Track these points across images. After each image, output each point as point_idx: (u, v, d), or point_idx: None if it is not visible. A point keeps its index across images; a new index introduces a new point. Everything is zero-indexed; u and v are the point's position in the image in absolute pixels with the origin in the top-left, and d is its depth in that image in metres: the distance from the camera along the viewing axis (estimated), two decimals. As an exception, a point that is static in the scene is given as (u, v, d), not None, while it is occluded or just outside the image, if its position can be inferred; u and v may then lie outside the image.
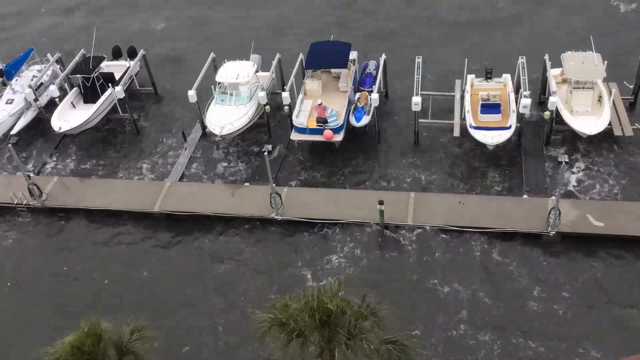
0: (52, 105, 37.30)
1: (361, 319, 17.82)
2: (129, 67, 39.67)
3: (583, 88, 32.80)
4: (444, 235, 29.58)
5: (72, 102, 37.14)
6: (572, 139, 33.62)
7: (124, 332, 19.59)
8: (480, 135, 32.06)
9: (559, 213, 28.35)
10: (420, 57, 35.63)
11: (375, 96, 33.88)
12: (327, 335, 17.58)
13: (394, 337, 18.55)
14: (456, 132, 33.71)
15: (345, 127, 34.06)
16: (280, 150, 35.09)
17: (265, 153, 28.86)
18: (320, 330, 17.65)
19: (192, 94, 34.92)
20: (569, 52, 34.25)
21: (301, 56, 36.85)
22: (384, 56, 36.85)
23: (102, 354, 18.43)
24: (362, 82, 36.80)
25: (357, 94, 35.62)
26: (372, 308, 18.28)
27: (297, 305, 18.12)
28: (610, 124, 32.47)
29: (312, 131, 33.61)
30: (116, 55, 40.92)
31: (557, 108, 32.29)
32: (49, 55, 40.67)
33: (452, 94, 35.99)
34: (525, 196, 30.92)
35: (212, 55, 38.19)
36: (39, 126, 38.29)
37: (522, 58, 34.58)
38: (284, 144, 35.43)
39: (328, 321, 17.52)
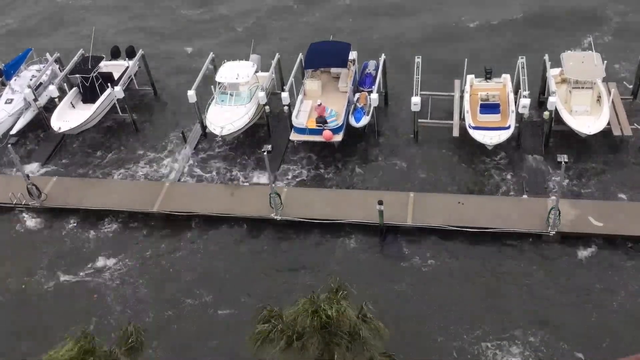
0: (51, 105, 37.27)
1: (359, 325, 17.83)
2: (127, 67, 39.63)
3: (582, 88, 32.81)
4: (443, 236, 29.58)
5: (71, 102, 37.10)
6: (572, 139, 33.64)
7: (118, 337, 19.48)
8: (480, 136, 32.08)
9: (559, 213, 28.37)
10: (420, 57, 35.64)
11: (374, 96, 33.88)
12: (327, 338, 17.57)
13: (390, 353, 18.61)
14: (455, 132, 33.72)
15: (344, 127, 34.06)
16: (280, 150, 35.12)
17: (265, 153, 28.86)
18: (319, 333, 17.64)
19: (191, 94, 34.89)
20: (569, 51, 34.28)
21: (300, 56, 36.83)
22: (383, 56, 36.84)
23: None
24: (361, 82, 36.80)
25: (357, 94, 35.62)
26: (369, 316, 18.30)
27: (294, 310, 18.13)
28: (609, 123, 32.48)
29: (312, 131, 33.61)
30: (115, 55, 40.87)
31: (556, 108, 32.30)
32: (47, 55, 40.58)
33: (452, 94, 36.00)
34: (525, 196, 30.95)
35: (211, 55, 38.17)
36: (39, 126, 38.24)
37: (521, 58, 34.59)
38: (283, 144, 35.44)
39: (327, 325, 17.51)
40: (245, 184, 33.59)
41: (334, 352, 17.54)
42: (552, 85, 33.07)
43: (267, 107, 34.91)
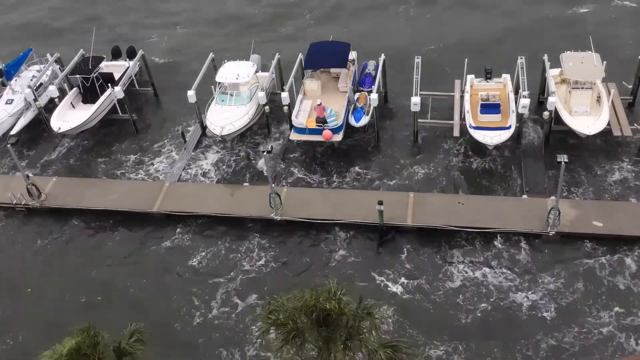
0: (51, 105, 37.28)
1: (359, 319, 17.78)
2: (128, 67, 39.64)
3: (582, 88, 32.77)
4: (442, 236, 29.59)
5: (71, 103, 37.13)
6: (572, 139, 33.63)
7: (123, 334, 19.52)
8: (480, 136, 32.08)
9: (559, 213, 28.36)
10: (420, 57, 35.65)
11: (374, 96, 33.88)
12: (325, 335, 17.55)
13: (392, 341, 18.54)
14: (456, 132, 33.72)
15: (344, 127, 34.07)
16: (280, 150, 35.12)
17: (265, 153, 28.85)
18: (318, 329, 17.62)
19: (191, 94, 34.90)
20: (568, 52, 34.24)
21: (300, 56, 36.85)
22: (383, 56, 36.84)
23: (99, 357, 18.34)
24: (361, 82, 36.81)
25: (357, 94, 35.63)
26: (369, 309, 18.25)
27: (294, 305, 18.11)
28: (609, 124, 32.45)
29: (312, 131, 33.62)
30: (115, 55, 40.90)
31: (556, 108, 32.28)
32: (48, 55, 40.62)
33: (452, 94, 35.98)
34: (524, 196, 30.94)
35: (211, 55, 38.18)
36: (39, 126, 38.25)
37: (521, 58, 34.59)
38: (283, 144, 35.44)
39: (326, 321, 17.49)
40: (246, 184, 33.59)
41: (332, 349, 17.51)
42: (551, 85, 33.06)
43: (267, 107, 34.92)
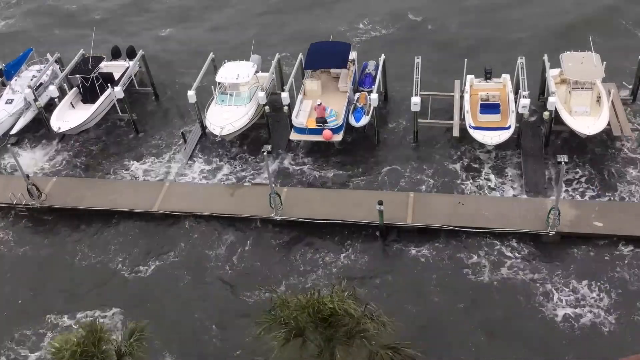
0: (51, 105, 37.29)
1: (363, 320, 17.81)
2: (128, 67, 39.64)
3: (582, 88, 32.79)
4: (443, 236, 29.59)
5: (71, 102, 37.12)
6: (571, 139, 33.65)
7: (123, 333, 19.59)
8: (480, 136, 32.11)
9: (559, 213, 28.39)
10: (420, 57, 35.66)
11: (374, 96, 33.90)
12: (327, 335, 17.58)
13: (394, 343, 18.54)
14: (455, 132, 33.74)
15: (344, 127, 34.09)
16: (280, 150, 35.16)
17: (265, 153, 28.88)
18: (320, 329, 17.66)
19: (191, 94, 34.91)
20: (568, 52, 34.27)
21: (300, 56, 36.86)
22: (383, 56, 36.86)
23: (101, 355, 18.41)
24: (361, 82, 36.83)
25: (357, 94, 35.65)
26: (374, 312, 18.27)
27: (297, 304, 18.15)
28: (609, 124, 32.47)
29: (312, 131, 33.64)
30: (115, 55, 40.88)
31: (556, 108, 32.29)
32: (48, 55, 40.61)
33: (452, 94, 36.00)
34: (524, 196, 30.95)
35: (211, 55, 38.19)
36: (39, 126, 38.25)
37: (521, 58, 34.61)
38: (283, 144, 35.46)
39: (328, 320, 17.52)
40: (246, 183, 33.60)
41: (335, 349, 17.52)
42: (551, 85, 33.08)
43: (267, 107, 34.94)
